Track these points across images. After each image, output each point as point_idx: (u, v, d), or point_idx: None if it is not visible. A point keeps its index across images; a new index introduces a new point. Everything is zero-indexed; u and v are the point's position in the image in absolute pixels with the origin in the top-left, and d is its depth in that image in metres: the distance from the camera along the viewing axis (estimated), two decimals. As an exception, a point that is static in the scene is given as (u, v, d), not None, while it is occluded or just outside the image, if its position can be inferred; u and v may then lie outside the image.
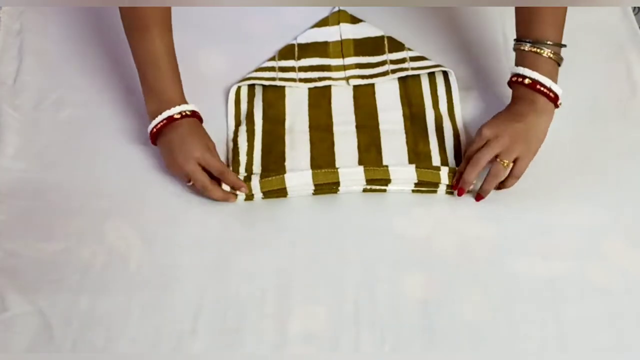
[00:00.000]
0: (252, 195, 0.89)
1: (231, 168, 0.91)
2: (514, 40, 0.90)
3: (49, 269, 0.82)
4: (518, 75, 0.88)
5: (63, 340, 0.77)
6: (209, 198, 0.88)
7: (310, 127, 0.95)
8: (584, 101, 0.98)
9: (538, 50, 0.86)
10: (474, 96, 0.98)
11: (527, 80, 0.87)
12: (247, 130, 0.94)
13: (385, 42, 1.04)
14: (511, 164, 0.85)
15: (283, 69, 1.01)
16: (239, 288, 0.81)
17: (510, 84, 0.90)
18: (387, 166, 0.89)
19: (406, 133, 0.94)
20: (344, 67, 1.02)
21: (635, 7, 1.12)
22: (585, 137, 0.94)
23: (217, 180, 0.88)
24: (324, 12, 1.08)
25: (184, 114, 0.88)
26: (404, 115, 0.96)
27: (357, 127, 0.95)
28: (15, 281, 0.81)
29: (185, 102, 0.89)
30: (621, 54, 1.03)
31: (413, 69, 1.00)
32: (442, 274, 0.82)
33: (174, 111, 0.88)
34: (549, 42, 0.86)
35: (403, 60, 1.01)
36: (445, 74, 1.00)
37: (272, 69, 1.01)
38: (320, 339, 0.77)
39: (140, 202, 0.88)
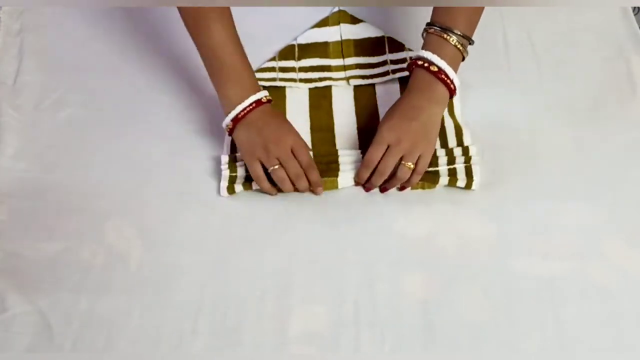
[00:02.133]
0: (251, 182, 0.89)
1: (229, 169, 0.90)
2: (425, 24, 0.89)
3: (49, 269, 0.82)
4: (424, 59, 0.87)
5: (63, 340, 0.77)
6: (273, 188, 0.87)
7: (311, 128, 0.95)
8: (584, 101, 0.98)
9: (445, 37, 0.86)
10: (474, 96, 0.98)
11: (432, 67, 0.86)
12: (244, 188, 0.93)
13: (386, 42, 1.04)
14: (413, 165, 0.85)
15: (283, 69, 1.01)
16: (239, 288, 0.81)
17: (413, 66, 0.88)
18: None
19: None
20: (344, 68, 1.02)
21: (635, 7, 1.12)
22: (585, 137, 0.94)
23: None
24: (324, 12, 1.08)
25: (268, 98, 0.89)
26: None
27: (358, 128, 0.95)
28: (15, 281, 0.81)
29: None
30: (621, 54, 1.03)
31: (413, 68, 1.00)
32: (442, 273, 0.82)
33: (260, 95, 0.87)
34: (457, 32, 0.86)
35: (403, 61, 1.01)
36: (445, 74, 1.00)
37: (272, 69, 1.01)
38: (320, 339, 0.77)
39: (140, 202, 0.89)
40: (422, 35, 0.90)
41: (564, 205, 0.87)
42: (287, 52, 1.03)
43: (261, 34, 1.06)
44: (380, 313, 0.79)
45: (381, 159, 0.86)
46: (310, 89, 1.00)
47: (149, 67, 1.03)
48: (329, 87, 1.00)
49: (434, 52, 0.86)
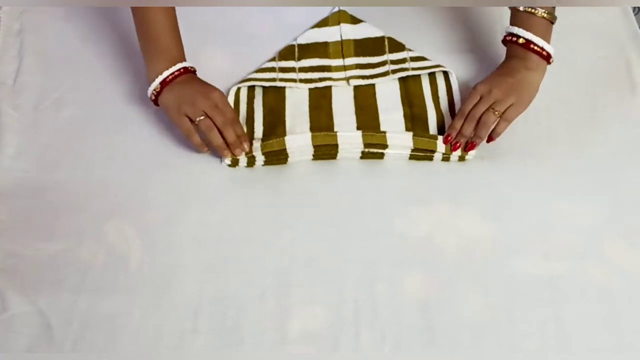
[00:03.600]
0: (254, 159, 0.91)
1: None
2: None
3: (49, 269, 0.82)
4: (512, 34, 0.92)
5: (63, 340, 0.77)
6: (203, 143, 0.89)
7: (311, 128, 0.95)
8: (583, 101, 0.98)
9: (532, 10, 0.90)
10: (474, 96, 0.98)
11: (520, 40, 0.91)
12: (248, 164, 0.94)
13: (386, 42, 1.04)
14: (501, 113, 0.89)
15: (283, 70, 1.01)
16: (238, 288, 0.81)
17: (504, 42, 0.94)
18: (385, 132, 0.91)
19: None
20: (344, 68, 1.02)
21: (635, 7, 1.12)
22: (585, 137, 0.94)
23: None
24: (324, 12, 1.08)
25: (193, 69, 0.93)
26: (404, 115, 0.96)
27: (357, 128, 0.95)
28: (15, 281, 0.81)
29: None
30: (621, 54, 1.03)
31: (413, 69, 1.00)
32: (442, 273, 0.82)
33: (187, 64, 0.92)
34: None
35: (403, 61, 1.01)
36: (445, 74, 1.00)
37: (272, 69, 1.01)
38: (320, 339, 0.77)
39: (140, 202, 0.89)
40: (509, 8, 0.94)
41: (564, 205, 0.87)
42: (287, 53, 1.03)
43: (261, 34, 1.06)
44: (380, 313, 0.79)
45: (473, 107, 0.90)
46: (310, 89, 1.00)
47: (149, 67, 1.03)
48: (328, 88, 1.00)
49: (520, 26, 0.91)
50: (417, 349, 0.76)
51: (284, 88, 0.99)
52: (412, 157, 0.92)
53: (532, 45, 0.90)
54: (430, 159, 0.92)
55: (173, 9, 0.93)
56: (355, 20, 1.06)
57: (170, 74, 0.90)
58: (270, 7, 1.09)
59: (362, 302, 0.80)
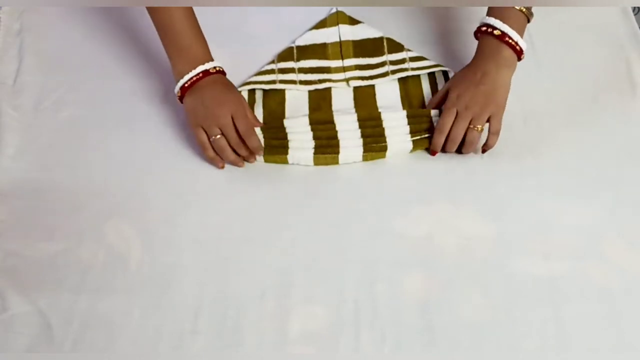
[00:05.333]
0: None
1: None
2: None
3: (49, 269, 0.82)
4: (488, 25, 0.91)
5: (63, 340, 0.77)
6: (217, 157, 0.90)
7: (310, 125, 0.95)
8: (584, 101, 0.98)
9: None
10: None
11: (496, 32, 0.89)
12: None
13: (385, 43, 1.04)
14: (483, 128, 0.89)
15: (283, 71, 1.01)
16: (238, 288, 0.81)
17: (478, 33, 0.93)
18: (385, 151, 0.92)
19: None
20: (344, 69, 1.02)
21: (635, 7, 1.12)
22: (585, 137, 0.94)
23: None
24: (324, 12, 1.08)
25: (218, 69, 0.92)
26: (405, 116, 0.96)
27: (358, 119, 0.95)
28: (15, 281, 0.81)
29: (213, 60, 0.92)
30: (621, 54, 1.03)
31: (413, 69, 1.00)
32: (442, 273, 0.82)
33: (209, 66, 0.91)
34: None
35: (403, 61, 1.01)
36: (445, 73, 1.00)
37: (271, 71, 1.01)
38: (320, 339, 0.77)
39: (140, 202, 0.89)
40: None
41: (564, 205, 0.87)
42: (286, 55, 1.03)
43: (261, 34, 1.06)
44: (380, 313, 0.79)
45: (452, 125, 0.89)
46: (309, 91, 0.99)
47: (149, 67, 1.03)
48: (328, 89, 1.00)
49: (496, 18, 0.90)
50: (417, 349, 0.76)
51: (283, 91, 0.99)
52: (413, 135, 0.92)
53: (506, 39, 0.89)
54: (425, 141, 0.92)
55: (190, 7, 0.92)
56: (353, 21, 1.06)
57: (189, 79, 0.90)
58: (269, 8, 1.09)
59: (362, 302, 0.79)
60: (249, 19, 1.08)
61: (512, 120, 0.95)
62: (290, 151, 0.91)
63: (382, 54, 1.03)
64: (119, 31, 1.07)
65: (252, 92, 0.99)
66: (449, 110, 0.89)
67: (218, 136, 0.88)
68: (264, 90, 0.99)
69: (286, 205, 0.88)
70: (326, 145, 0.92)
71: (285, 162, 0.92)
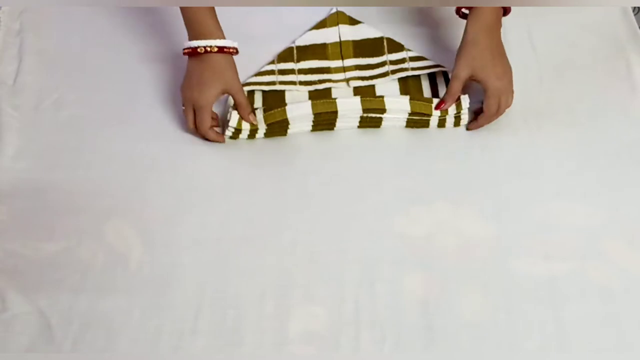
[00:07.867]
0: (256, 131, 0.93)
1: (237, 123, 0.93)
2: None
3: (49, 269, 0.82)
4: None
5: (63, 340, 0.77)
6: (197, 131, 0.93)
7: (312, 130, 0.95)
8: (584, 101, 0.98)
9: None
10: (474, 96, 0.98)
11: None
12: (249, 136, 0.94)
13: (385, 43, 1.04)
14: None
15: (282, 72, 1.01)
16: (238, 288, 0.81)
17: (460, 12, 0.95)
18: (383, 96, 0.93)
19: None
20: (344, 69, 1.02)
21: (635, 7, 1.12)
22: (585, 137, 0.94)
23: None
24: (324, 12, 1.08)
25: (231, 49, 0.93)
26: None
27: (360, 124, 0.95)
28: (15, 281, 0.81)
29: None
30: (621, 54, 1.03)
31: (413, 69, 1.00)
32: (442, 273, 0.82)
33: (225, 43, 0.92)
34: None
35: (403, 61, 1.01)
36: (445, 74, 1.00)
37: (271, 72, 1.01)
38: (320, 339, 0.77)
39: (140, 202, 0.89)
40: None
41: (564, 205, 0.87)
42: (285, 55, 1.03)
43: (261, 34, 1.06)
44: (380, 313, 0.79)
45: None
46: (309, 92, 0.99)
47: (149, 67, 1.03)
48: (328, 89, 1.00)
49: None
50: (417, 349, 0.76)
51: (283, 92, 0.99)
52: (408, 124, 0.94)
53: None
54: (427, 125, 0.94)
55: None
56: (353, 22, 1.06)
57: (205, 47, 0.91)
58: (269, 8, 1.09)
59: (362, 302, 0.79)
60: (249, 19, 1.08)
61: (513, 120, 0.95)
62: (287, 106, 0.92)
63: (382, 53, 1.03)
64: (119, 31, 1.07)
65: (250, 93, 0.99)
66: (492, 104, 0.92)
67: (191, 128, 0.93)
68: (264, 91, 0.99)
69: (286, 205, 0.88)
70: (323, 96, 0.96)
71: (286, 122, 0.93)
